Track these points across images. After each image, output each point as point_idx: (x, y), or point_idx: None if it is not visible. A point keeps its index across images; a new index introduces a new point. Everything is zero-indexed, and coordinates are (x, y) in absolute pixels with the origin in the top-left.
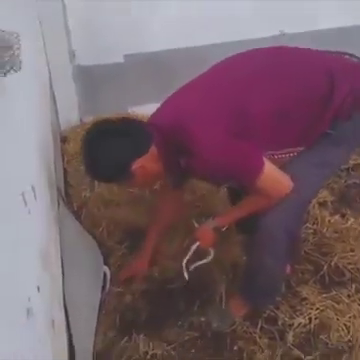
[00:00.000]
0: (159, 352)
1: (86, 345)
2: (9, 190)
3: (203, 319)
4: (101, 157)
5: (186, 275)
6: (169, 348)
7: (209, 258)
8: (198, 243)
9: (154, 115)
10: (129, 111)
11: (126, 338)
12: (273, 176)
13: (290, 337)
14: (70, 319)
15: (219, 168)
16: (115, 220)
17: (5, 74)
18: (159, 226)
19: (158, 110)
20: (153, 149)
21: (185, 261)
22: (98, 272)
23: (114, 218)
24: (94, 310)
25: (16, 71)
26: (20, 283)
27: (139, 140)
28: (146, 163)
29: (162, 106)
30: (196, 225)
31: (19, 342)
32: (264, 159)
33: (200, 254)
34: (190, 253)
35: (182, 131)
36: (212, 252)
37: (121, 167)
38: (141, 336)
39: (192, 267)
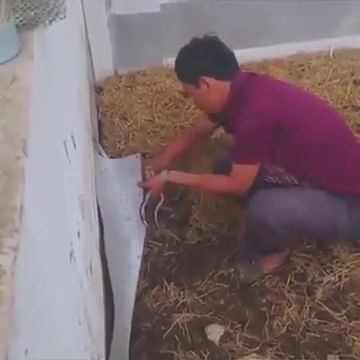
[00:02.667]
0: (189, 301)
1: (125, 292)
2: (53, 139)
3: (232, 270)
4: (192, 53)
5: (145, 222)
6: (199, 298)
7: (161, 202)
8: (149, 192)
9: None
10: (164, 63)
11: (158, 286)
12: (245, 174)
13: (319, 293)
14: (109, 266)
15: (238, 134)
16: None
17: (51, 22)
18: (176, 146)
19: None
20: (226, 85)
21: (142, 209)
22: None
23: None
24: (137, 255)
25: (61, 18)
26: (65, 228)
27: (224, 68)
28: (214, 86)
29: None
30: None
31: (63, 281)
32: (254, 162)
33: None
34: (145, 201)
35: (251, 100)
36: (162, 197)
37: (195, 70)
38: (172, 285)
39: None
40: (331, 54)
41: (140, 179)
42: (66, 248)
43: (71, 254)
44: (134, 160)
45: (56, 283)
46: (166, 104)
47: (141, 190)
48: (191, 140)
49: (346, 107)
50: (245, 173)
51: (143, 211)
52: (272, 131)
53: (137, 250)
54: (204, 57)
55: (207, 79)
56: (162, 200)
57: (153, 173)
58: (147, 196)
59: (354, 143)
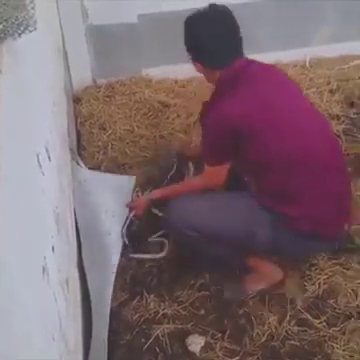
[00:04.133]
0: (169, 312)
1: (102, 304)
2: (25, 152)
3: (212, 280)
4: (189, 30)
5: (126, 241)
6: (179, 308)
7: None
8: (133, 213)
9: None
10: (143, 73)
11: (138, 298)
12: (215, 174)
13: (299, 301)
14: (88, 278)
15: (202, 133)
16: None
17: (20, 35)
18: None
19: (249, 66)
20: (216, 74)
21: (123, 229)
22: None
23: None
24: (112, 271)
25: (31, 31)
26: (37, 243)
27: (216, 56)
28: (204, 72)
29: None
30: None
31: (35, 296)
32: (220, 161)
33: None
34: (127, 222)
35: (225, 99)
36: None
37: (189, 51)
38: (152, 296)
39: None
40: (307, 63)
41: (130, 199)
42: (38, 263)
43: (44, 269)
44: (128, 180)
45: (27, 300)
46: (145, 114)
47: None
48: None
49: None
50: (215, 172)
51: (124, 231)
52: (231, 136)
53: (114, 264)
54: (199, 38)
55: (198, 64)
56: (131, 214)
57: (139, 194)
58: (129, 217)
59: (314, 168)
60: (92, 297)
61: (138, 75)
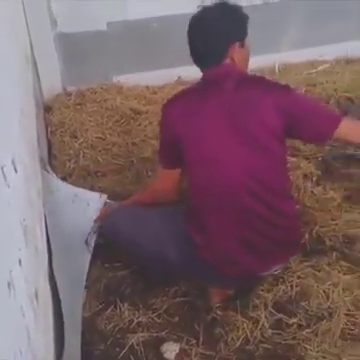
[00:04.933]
0: (144, 320)
1: (75, 315)
2: None
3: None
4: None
5: (90, 251)
6: (154, 316)
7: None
8: (99, 223)
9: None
10: (114, 80)
11: (111, 307)
12: (165, 178)
13: (269, 302)
14: (59, 290)
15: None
16: (101, 190)
17: None
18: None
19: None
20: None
21: (88, 239)
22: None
23: (100, 188)
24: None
25: None
26: (2, 257)
27: (201, 57)
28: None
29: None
30: None
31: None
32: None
33: None
34: (92, 232)
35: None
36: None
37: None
38: (126, 305)
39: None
40: (276, 69)
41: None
42: (3, 278)
43: (9, 284)
44: (99, 198)
45: None
46: (117, 121)
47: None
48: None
49: None
50: (164, 175)
51: (89, 240)
52: (171, 138)
53: (83, 278)
54: (189, 38)
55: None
56: (97, 224)
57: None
58: (96, 227)
59: (226, 207)
60: (64, 309)
61: (109, 82)
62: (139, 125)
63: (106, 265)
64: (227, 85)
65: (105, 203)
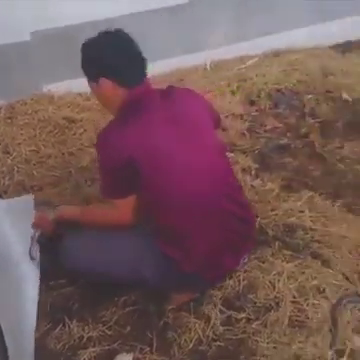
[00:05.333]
0: (94, 334)
1: (23, 338)
2: None
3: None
4: (99, 48)
5: (36, 265)
6: (104, 328)
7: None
8: (39, 230)
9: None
10: (44, 89)
11: (60, 325)
12: (120, 207)
13: (218, 299)
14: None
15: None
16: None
17: None
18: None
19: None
20: (124, 93)
21: (31, 251)
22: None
23: (39, 202)
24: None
25: None
26: None
27: (129, 73)
28: (112, 90)
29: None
30: None
31: None
32: (120, 196)
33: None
34: (33, 241)
35: (119, 119)
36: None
37: (98, 68)
38: (74, 321)
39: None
40: (208, 66)
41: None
42: None
43: None
44: (27, 200)
45: None
46: (51, 132)
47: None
48: None
49: (227, 116)
50: (119, 206)
51: (33, 252)
52: (120, 170)
53: (32, 294)
54: (108, 55)
55: (106, 81)
56: (37, 232)
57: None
58: (36, 236)
59: (198, 212)
60: (6, 335)
61: (39, 92)
62: (74, 134)
63: (51, 283)
64: (156, 100)
65: (38, 207)
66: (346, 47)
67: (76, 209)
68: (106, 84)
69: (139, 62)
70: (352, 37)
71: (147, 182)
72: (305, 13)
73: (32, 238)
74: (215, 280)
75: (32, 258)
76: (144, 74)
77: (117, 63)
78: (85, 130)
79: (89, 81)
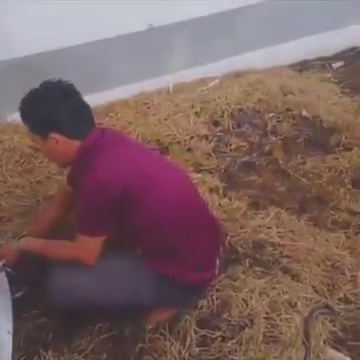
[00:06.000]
0: None
1: None
2: None
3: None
4: (43, 103)
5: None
6: (80, 357)
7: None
8: (2, 261)
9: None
10: (8, 119)
11: (35, 358)
12: (89, 246)
13: (193, 320)
14: None
15: (79, 201)
16: (8, 237)
17: None
18: (43, 223)
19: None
20: (76, 144)
21: None
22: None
23: (6, 233)
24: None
25: None
26: None
27: (77, 125)
28: (63, 144)
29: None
30: None
31: None
32: (97, 234)
33: None
34: None
35: (96, 167)
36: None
37: (45, 123)
38: (50, 353)
39: None
40: (171, 90)
41: None
42: None
43: None
44: None
45: None
46: (17, 161)
47: None
48: (57, 212)
49: (192, 137)
50: (89, 244)
51: None
52: (114, 203)
53: (6, 326)
54: (56, 110)
55: (56, 136)
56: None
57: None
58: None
59: (196, 221)
60: None
61: (3, 122)
62: (41, 162)
63: (24, 315)
64: (115, 135)
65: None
66: (303, 66)
67: (40, 242)
68: (55, 138)
69: (85, 111)
70: (308, 56)
71: (141, 204)
72: (263, 34)
73: None
74: (209, 283)
75: None
76: (93, 121)
77: (66, 116)
78: None
79: (34, 135)
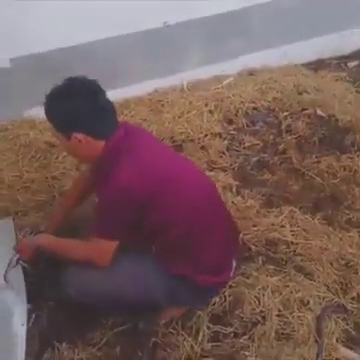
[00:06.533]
0: (84, 356)
1: None
2: None
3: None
4: (67, 101)
5: (12, 287)
6: (94, 350)
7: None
8: (18, 256)
9: (131, 130)
10: (25, 114)
11: (49, 350)
12: (104, 248)
13: (206, 316)
14: None
15: (99, 204)
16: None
17: None
18: (62, 209)
19: (139, 132)
20: (100, 144)
21: (6, 275)
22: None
23: (24, 227)
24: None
25: None
26: None
27: (101, 125)
28: (86, 143)
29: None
30: None
31: None
32: (115, 237)
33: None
34: (11, 265)
35: (118, 172)
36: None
37: (68, 123)
38: (64, 344)
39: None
40: (185, 87)
41: (15, 242)
42: None
43: None
44: (6, 224)
45: None
46: (33, 157)
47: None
48: (73, 202)
49: (206, 135)
50: (105, 247)
51: (8, 274)
52: (135, 209)
53: (21, 318)
54: (80, 109)
55: (80, 136)
56: (16, 257)
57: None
58: (14, 260)
59: (212, 224)
60: None
61: (20, 118)
62: (57, 158)
63: (39, 306)
64: (138, 133)
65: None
66: (318, 65)
67: (56, 241)
68: (79, 140)
69: (109, 110)
70: (323, 55)
71: (158, 207)
72: (277, 33)
73: (10, 262)
74: (223, 285)
75: (6, 281)
76: (116, 120)
77: (90, 115)
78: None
79: (57, 132)
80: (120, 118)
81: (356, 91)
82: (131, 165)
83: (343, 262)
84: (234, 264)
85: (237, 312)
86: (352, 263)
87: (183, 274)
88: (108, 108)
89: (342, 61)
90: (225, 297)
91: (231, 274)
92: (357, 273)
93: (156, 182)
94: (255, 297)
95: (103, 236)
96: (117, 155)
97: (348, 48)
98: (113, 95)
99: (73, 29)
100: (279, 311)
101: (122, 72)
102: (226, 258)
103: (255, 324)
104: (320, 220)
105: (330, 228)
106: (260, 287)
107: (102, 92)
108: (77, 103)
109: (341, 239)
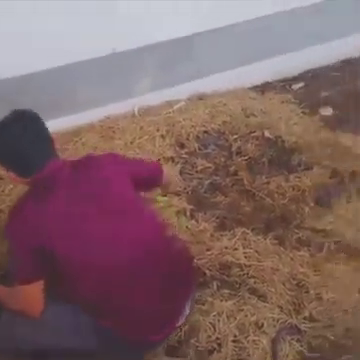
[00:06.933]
0: None
1: None
2: None
3: None
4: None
5: None
6: None
7: None
8: None
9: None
10: None
11: None
12: (29, 293)
13: (161, 349)
14: None
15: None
16: None
17: None
18: None
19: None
20: (25, 180)
21: None
22: None
23: None
24: None
25: None
26: None
27: (25, 166)
28: (15, 178)
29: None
30: None
31: None
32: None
33: None
34: None
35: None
36: None
37: (6, 162)
38: None
39: None
40: (136, 113)
41: None
42: None
43: None
44: None
45: None
46: None
47: None
48: None
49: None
50: (28, 292)
51: None
52: (34, 249)
53: None
54: (5, 152)
55: (11, 174)
56: None
57: None
58: None
59: (145, 283)
60: None
61: None
62: (3, 191)
63: None
64: (66, 177)
65: None
66: (265, 87)
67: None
68: (12, 176)
69: (40, 149)
70: (269, 78)
71: (64, 263)
72: (224, 58)
73: None
74: (158, 340)
75: None
76: (48, 157)
77: (14, 159)
78: (14, 186)
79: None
80: (71, 146)
81: (302, 112)
82: (26, 211)
83: (294, 282)
84: (187, 311)
85: (192, 341)
86: (303, 282)
87: (106, 326)
88: (39, 142)
89: (287, 83)
90: (180, 327)
91: (178, 323)
92: (308, 292)
93: (53, 238)
94: (210, 324)
95: (25, 280)
96: (38, 189)
97: (293, 70)
98: (64, 122)
99: (23, 59)
100: (234, 336)
101: (72, 100)
102: (168, 313)
103: (211, 352)
104: (272, 240)
105: (281, 248)
106: (215, 313)
107: (36, 126)
108: (4, 146)
109: (292, 259)
